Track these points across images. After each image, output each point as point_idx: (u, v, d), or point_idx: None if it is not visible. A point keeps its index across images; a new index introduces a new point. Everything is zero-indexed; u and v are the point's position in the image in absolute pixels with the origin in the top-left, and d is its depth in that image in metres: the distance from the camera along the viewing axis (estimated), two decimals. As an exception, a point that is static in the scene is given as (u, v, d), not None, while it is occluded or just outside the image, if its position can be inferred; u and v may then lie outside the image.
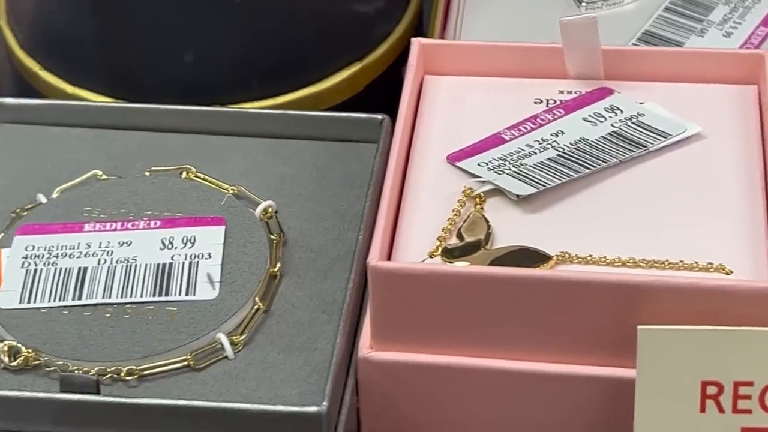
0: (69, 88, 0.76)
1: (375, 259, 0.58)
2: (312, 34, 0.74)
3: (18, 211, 0.68)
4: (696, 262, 0.58)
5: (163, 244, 0.65)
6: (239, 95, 0.74)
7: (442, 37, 0.77)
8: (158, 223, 0.66)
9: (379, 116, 0.72)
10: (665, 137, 0.64)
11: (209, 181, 0.69)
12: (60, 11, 0.74)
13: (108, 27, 0.73)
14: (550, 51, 0.68)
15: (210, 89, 0.74)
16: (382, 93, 0.79)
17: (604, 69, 0.68)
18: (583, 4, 0.79)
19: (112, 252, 0.64)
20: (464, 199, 0.62)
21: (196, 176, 0.69)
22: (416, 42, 0.69)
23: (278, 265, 0.65)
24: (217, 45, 0.73)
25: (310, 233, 0.67)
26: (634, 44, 0.76)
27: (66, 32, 0.74)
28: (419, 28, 0.82)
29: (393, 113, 0.72)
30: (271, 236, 0.66)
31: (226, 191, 0.68)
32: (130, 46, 0.73)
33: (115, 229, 0.66)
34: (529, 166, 0.63)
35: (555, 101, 0.67)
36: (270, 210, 0.67)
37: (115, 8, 0.72)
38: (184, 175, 0.69)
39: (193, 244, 0.65)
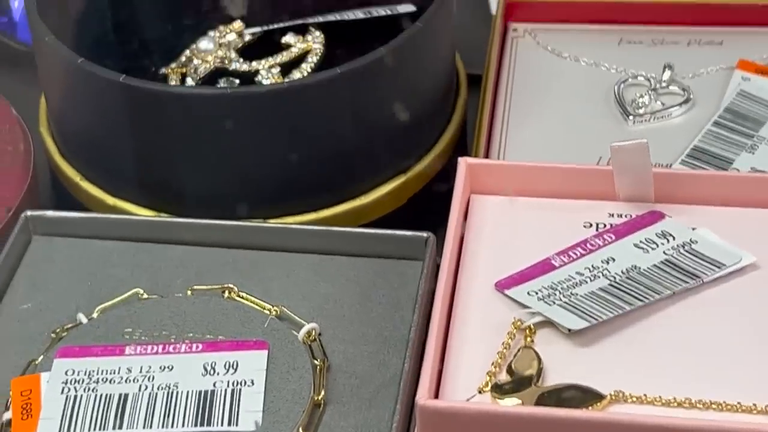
0: (109, 200, 0.75)
1: (424, 398, 0.56)
2: (355, 149, 0.73)
3: (58, 331, 0.67)
4: (754, 404, 0.56)
5: (205, 369, 0.64)
6: (282, 209, 0.73)
7: (487, 151, 0.76)
8: (200, 346, 0.65)
9: (424, 234, 0.71)
10: (719, 267, 0.63)
11: (251, 301, 0.68)
12: (100, 123, 0.73)
13: (148, 140, 0.72)
14: (599, 172, 0.67)
15: (252, 203, 0.73)
16: (425, 205, 0.78)
17: (654, 191, 0.67)
18: (631, 117, 0.78)
19: (153, 377, 0.63)
20: (514, 331, 0.61)
21: (238, 296, 0.68)
22: (463, 162, 0.68)
23: (322, 392, 0.63)
24: (260, 160, 0.72)
25: (354, 358, 0.66)
26: (683, 161, 0.75)
27: (106, 143, 0.74)
28: (463, 140, 0.81)
29: (435, 226, 0.72)
30: (315, 361, 0.65)
31: (268, 312, 0.67)
32: (170, 159, 0.72)
33: (156, 353, 0.65)
34: (580, 296, 0.62)
35: (605, 225, 0.66)
36: (313, 333, 0.66)
37: (156, 122, 0.71)
38: (226, 294, 0.68)
39: (235, 370, 0.64)
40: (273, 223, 0.73)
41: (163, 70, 0.81)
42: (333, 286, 0.70)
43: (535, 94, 0.81)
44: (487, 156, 0.77)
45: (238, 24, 0.83)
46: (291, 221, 0.74)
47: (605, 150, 0.69)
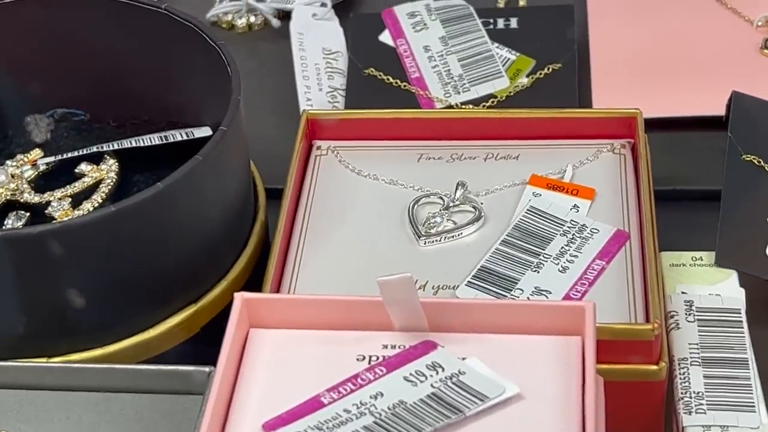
0: None
1: None
2: (141, 283, 0.73)
3: None
4: None
5: None
6: (66, 347, 0.72)
7: (280, 277, 0.76)
8: (-33, 499, 0.64)
9: (206, 369, 0.70)
10: (483, 400, 0.63)
11: (26, 448, 0.67)
12: None
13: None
14: (374, 304, 0.67)
15: (34, 342, 0.72)
16: (220, 333, 0.77)
17: (429, 321, 0.67)
18: (422, 238, 0.78)
19: None
20: (274, 475, 0.60)
21: (13, 442, 0.68)
22: (239, 297, 0.68)
23: None
24: (39, 299, 0.71)
25: (127, 503, 0.65)
26: (469, 282, 0.75)
27: None
28: (262, 263, 0.80)
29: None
30: None
31: (43, 458, 0.66)
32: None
33: None
34: (343, 436, 0.61)
35: (378, 357, 0.66)
36: (87, 479, 0.65)
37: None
38: (0, 441, 0.68)
39: None
40: (55, 361, 0.72)
41: (-43, 202, 0.80)
42: (115, 427, 0.69)
43: (333, 215, 0.81)
44: (279, 282, 0.77)
45: (35, 153, 0.83)
46: (76, 358, 0.73)
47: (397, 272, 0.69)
